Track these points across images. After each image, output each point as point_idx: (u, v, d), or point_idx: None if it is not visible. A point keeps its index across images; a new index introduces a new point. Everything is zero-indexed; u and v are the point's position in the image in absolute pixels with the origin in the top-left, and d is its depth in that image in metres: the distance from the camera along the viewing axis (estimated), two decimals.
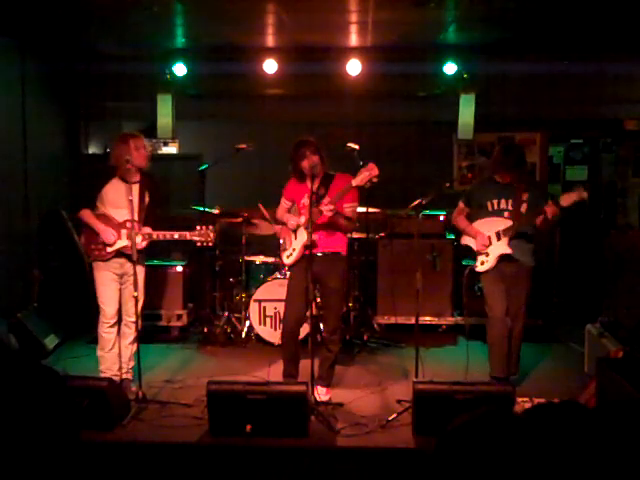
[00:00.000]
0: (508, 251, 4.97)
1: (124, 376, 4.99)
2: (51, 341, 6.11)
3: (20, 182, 6.51)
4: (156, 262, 6.46)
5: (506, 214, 4.99)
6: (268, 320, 6.27)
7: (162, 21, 6.32)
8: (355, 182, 4.60)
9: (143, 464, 3.94)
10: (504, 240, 4.97)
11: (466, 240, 5.25)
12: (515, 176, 4.98)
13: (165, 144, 7.56)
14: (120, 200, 4.87)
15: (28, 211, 6.62)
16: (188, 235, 4.86)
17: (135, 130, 5.29)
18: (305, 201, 4.81)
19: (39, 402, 1.48)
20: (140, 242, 4.83)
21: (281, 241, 5.17)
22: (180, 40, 7.20)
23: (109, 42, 7.00)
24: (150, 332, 6.29)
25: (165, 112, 7.60)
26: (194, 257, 6.98)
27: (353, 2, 5.74)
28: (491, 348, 5.16)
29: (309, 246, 4.62)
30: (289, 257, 4.97)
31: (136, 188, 4.88)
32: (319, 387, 4.81)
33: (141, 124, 7.86)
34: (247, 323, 6.44)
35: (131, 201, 4.68)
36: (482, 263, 5.08)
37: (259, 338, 6.32)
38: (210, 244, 4.93)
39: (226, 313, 6.63)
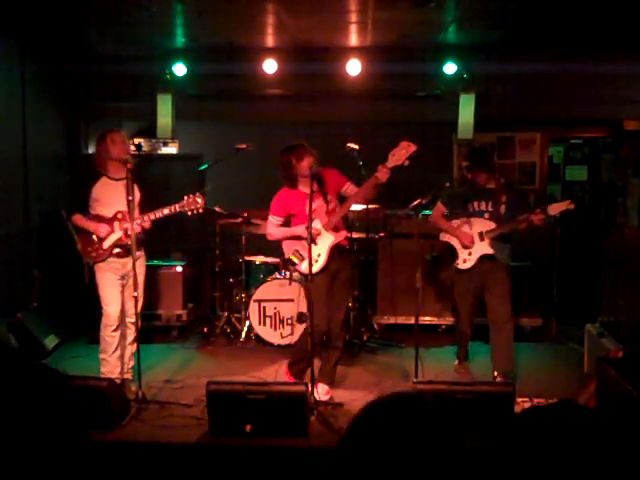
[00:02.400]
0: (490, 252, 5.12)
1: (124, 376, 5.00)
2: (51, 341, 6.11)
3: (20, 182, 6.51)
4: (156, 262, 6.46)
5: (486, 215, 5.16)
6: (268, 320, 6.27)
7: (162, 21, 6.32)
8: (391, 163, 4.44)
9: (143, 464, 3.94)
10: (486, 241, 5.13)
11: (446, 237, 5.35)
12: (485, 176, 5.12)
13: (165, 144, 7.55)
14: (110, 199, 4.86)
15: (28, 211, 6.62)
16: (178, 207, 4.83)
17: (130, 129, 5.29)
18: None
19: (40, 402, 1.48)
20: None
21: (289, 256, 4.86)
22: (180, 40, 7.19)
23: (109, 42, 7.00)
24: (150, 332, 6.29)
25: (165, 112, 7.59)
26: (194, 257, 6.98)
27: (353, 2, 5.73)
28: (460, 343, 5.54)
29: (335, 247, 4.72)
30: (315, 264, 4.71)
31: (123, 185, 4.83)
32: (320, 386, 4.81)
33: (141, 124, 7.86)
34: (247, 323, 6.44)
35: (130, 201, 4.68)
36: (464, 261, 5.21)
37: (259, 338, 6.32)
38: (201, 210, 4.86)
39: (226, 313, 6.63)
